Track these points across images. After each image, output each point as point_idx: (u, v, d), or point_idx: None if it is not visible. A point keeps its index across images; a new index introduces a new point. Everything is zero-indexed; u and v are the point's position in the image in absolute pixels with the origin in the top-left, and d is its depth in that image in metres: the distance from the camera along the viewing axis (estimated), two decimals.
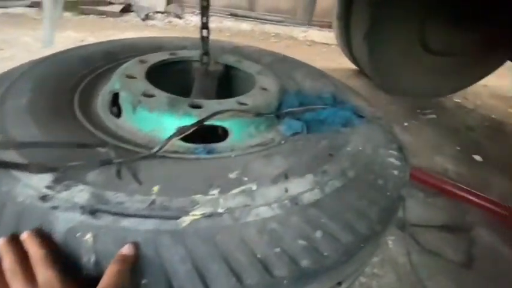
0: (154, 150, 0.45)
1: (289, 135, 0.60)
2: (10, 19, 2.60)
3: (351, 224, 0.43)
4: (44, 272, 0.30)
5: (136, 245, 0.33)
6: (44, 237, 0.34)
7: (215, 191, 0.40)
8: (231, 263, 0.35)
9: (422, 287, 0.66)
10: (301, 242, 0.38)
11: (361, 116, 0.65)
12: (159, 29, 2.89)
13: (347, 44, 1.88)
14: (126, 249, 0.33)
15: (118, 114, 0.63)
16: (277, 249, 0.37)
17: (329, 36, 3.27)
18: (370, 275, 0.68)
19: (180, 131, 0.48)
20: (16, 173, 0.39)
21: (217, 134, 0.64)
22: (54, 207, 0.36)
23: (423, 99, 1.77)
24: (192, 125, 0.49)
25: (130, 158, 0.43)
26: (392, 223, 0.49)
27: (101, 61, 0.86)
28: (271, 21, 3.42)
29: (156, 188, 0.39)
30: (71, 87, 0.70)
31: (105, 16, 3.02)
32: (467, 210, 0.96)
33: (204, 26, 0.72)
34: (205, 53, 0.77)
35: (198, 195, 0.39)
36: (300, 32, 3.29)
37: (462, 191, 0.98)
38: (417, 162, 1.18)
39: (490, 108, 1.86)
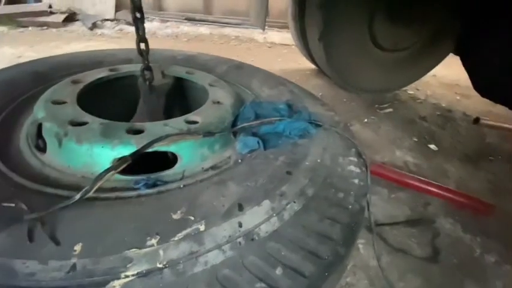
0: (77, 197, 0.37)
1: (245, 153, 0.55)
2: None
3: (314, 251, 0.39)
4: None
5: None
6: None
7: (153, 241, 0.34)
8: None
9: None
10: (260, 285, 0.34)
11: (318, 125, 0.63)
12: (109, 37, 2.69)
13: (304, 45, 1.89)
14: None
15: (44, 149, 0.54)
16: None
17: (288, 37, 3.28)
18: (343, 285, 0.66)
19: (113, 166, 0.41)
20: None
21: (168, 159, 0.57)
22: None
23: (380, 94, 1.84)
24: (121, 161, 0.42)
25: (46, 211, 0.35)
26: (355, 241, 0.46)
27: (28, 84, 0.75)
28: (230, 24, 3.37)
29: (78, 248, 0.32)
30: None
31: (46, 28, 2.74)
32: (429, 202, 0.99)
33: (141, 39, 0.65)
34: (147, 68, 0.69)
35: (133, 250, 0.33)
36: (260, 34, 3.28)
37: (422, 183, 1.01)
38: (380, 158, 1.21)
39: (440, 97, 1.98)
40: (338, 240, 0.43)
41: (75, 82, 0.69)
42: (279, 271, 0.36)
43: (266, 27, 3.59)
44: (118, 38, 2.68)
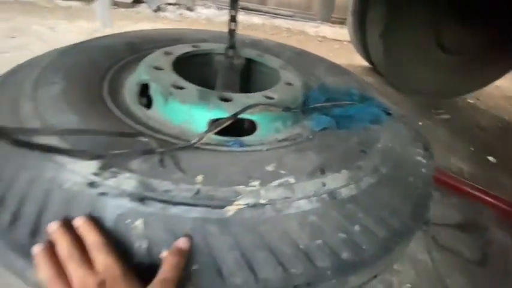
0: (194, 141, 0.45)
1: (318, 130, 0.60)
2: (22, 7, 2.59)
3: (386, 219, 0.44)
4: (104, 258, 0.31)
5: (190, 238, 0.34)
6: (97, 224, 0.34)
7: (255, 183, 0.41)
8: (275, 252, 0.35)
9: (442, 283, 0.67)
10: (341, 235, 0.39)
11: (389, 113, 0.65)
12: (171, 20, 2.86)
13: (361, 41, 1.86)
14: (182, 242, 0.33)
15: (146, 105, 0.64)
16: (319, 241, 0.38)
17: (341, 32, 3.24)
18: (390, 271, 0.69)
19: (217, 123, 0.49)
20: (60, 160, 0.40)
21: (242, 128, 0.64)
22: (103, 194, 0.37)
23: (436, 98, 1.76)
24: (229, 118, 0.50)
25: (171, 147, 0.44)
26: (422, 220, 0.50)
27: (125, 52, 0.86)
28: (283, 16, 3.39)
29: (199, 178, 0.40)
30: (99, 77, 0.70)
31: (116, 7, 3.00)
32: (481, 211, 0.96)
33: (232, 19, 0.72)
34: (232, 46, 0.76)
35: (240, 186, 0.40)
36: (311, 28, 3.26)
37: (478, 191, 0.98)
38: None
39: (503, 110, 1.84)
40: (407, 215, 0.46)
41: (167, 53, 0.78)
42: (357, 228, 0.40)
43: (318, 22, 3.55)
44: (179, 22, 2.85)
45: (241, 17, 3.37)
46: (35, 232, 0.34)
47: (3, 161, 0.41)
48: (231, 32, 0.74)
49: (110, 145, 0.42)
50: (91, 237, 0.32)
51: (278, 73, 0.80)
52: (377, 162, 0.51)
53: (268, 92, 0.66)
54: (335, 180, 0.45)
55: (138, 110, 0.62)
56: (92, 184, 0.38)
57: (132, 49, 0.88)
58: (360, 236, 0.40)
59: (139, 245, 0.34)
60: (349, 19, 1.96)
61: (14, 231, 0.34)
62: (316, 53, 1.09)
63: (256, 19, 3.31)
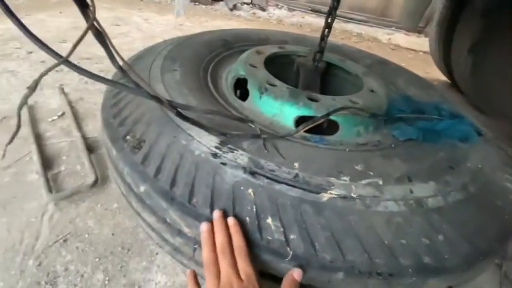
0: (292, 132, 0.52)
1: (402, 140, 0.62)
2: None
3: (470, 236, 0.44)
4: (246, 267, 0.36)
5: (302, 272, 0.37)
6: (241, 228, 0.39)
7: (346, 178, 0.46)
8: (362, 241, 0.40)
9: None
10: (425, 241, 0.41)
11: (480, 134, 0.63)
12: (244, 19, 3.03)
13: (444, 54, 1.72)
14: (297, 275, 0.37)
15: (240, 97, 0.73)
16: (403, 241, 0.41)
17: (416, 42, 3.02)
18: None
19: (312, 120, 0.54)
20: (191, 132, 0.50)
21: (321, 128, 0.69)
22: (224, 164, 0.45)
23: None
24: (322, 116, 0.55)
25: (273, 135, 0.51)
26: (503, 247, 0.48)
27: (221, 47, 0.98)
28: (354, 20, 3.30)
29: (297, 164, 0.46)
30: (204, 68, 0.82)
31: (198, 3, 3.28)
32: None
33: (328, 25, 0.77)
34: (321, 51, 0.81)
35: (333, 178, 0.45)
36: (384, 34, 3.11)
37: None
38: None
39: None
40: (493, 236, 0.46)
41: (259, 52, 0.87)
42: (441, 237, 0.42)
43: (392, 28, 3.36)
44: (251, 21, 2.99)
45: (312, 19, 3.37)
46: (173, 183, 0.44)
47: (152, 126, 0.53)
48: (323, 38, 0.79)
49: (224, 126, 0.52)
50: (238, 240, 0.38)
51: (361, 80, 0.83)
52: (465, 180, 0.51)
53: (353, 97, 0.69)
54: (422, 189, 0.47)
55: (234, 101, 0.71)
56: (215, 155, 0.47)
57: (227, 45, 1.00)
58: (443, 246, 0.41)
59: (250, 208, 0.41)
60: (433, 29, 1.82)
61: (158, 180, 0.45)
62: None
63: None
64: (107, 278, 0.61)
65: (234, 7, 3.25)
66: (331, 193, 0.43)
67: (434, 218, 0.44)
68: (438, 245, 0.41)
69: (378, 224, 0.41)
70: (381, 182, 0.46)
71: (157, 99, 0.41)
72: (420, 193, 0.46)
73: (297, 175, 0.45)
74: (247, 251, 0.38)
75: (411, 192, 0.46)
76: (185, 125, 0.52)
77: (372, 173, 0.48)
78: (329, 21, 0.76)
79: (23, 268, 0.64)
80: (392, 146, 0.61)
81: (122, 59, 0.49)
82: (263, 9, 3.43)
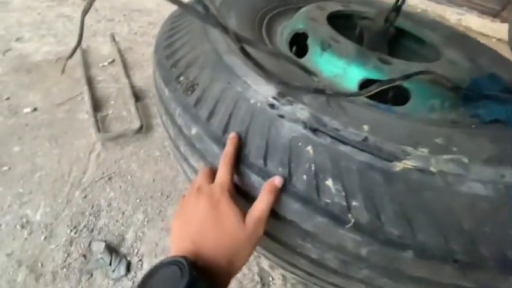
0: (363, 92, 0.45)
1: (487, 121, 0.52)
2: None
3: None
4: (223, 172, 0.37)
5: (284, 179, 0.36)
6: (239, 141, 0.39)
7: (424, 150, 0.39)
8: (438, 222, 0.34)
9: None
10: None
11: None
12: None
13: None
14: (278, 181, 0.36)
15: (296, 53, 0.66)
16: (486, 230, 0.34)
17: (491, 27, 2.61)
18: None
19: (386, 81, 0.47)
20: (247, 80, 0.46)
21: (384, 97, 0.61)
22: (281, 116, 0.41)
23: None
24: (399, 78, 0.47)
25: (339, 93, 0.45)
26: None
27: (276, 2, 0.89)
28: None
29: (366, 127, 0.40)
30: (259, 20, 0.75)
31: None
32: None
33: None
34: (397, 9, 0.70)
35: (409, 148, 0.38)
36: (453, 14, 2.72)
37: None
38: None
39: None
40: None
41: (320, 8, 0.78)
42: None
43: (464, 8, 2.94)
44: None
45: None
46: (226, 129, 0.41)
47: (206, 70, 0.49)
48: None
49: (287, 76, 0.46)
50: (227, 149, 0.38)
51: (438, 50, 0.71)
52: None
53: (429, 66, 0.60)
54: None
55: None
56: (272, 106, 0.42)
57: (283, 0, 0.91)
58: None
59: (308, 166, 0.37)
60: None
61: (210, 124, 0.42)
62: None
63: None
64: (146, 219, 0.63)
65: None
66: (405, 163, 0.37)
67: None
68: None
69: (458, 205, 0.35)
70: (466, 160, 0.39)
71: (224, 28, 0.36)
72: None
73: (366, 138, 0.39)
74: (232, 161, 0.37)
75: (502, 176, 0.38)
76: (241, 71, 0.47)
77: (455, 149, 0.40)
78: None
79: (69, 198, 0.68)
80: (473, 126, 0.52)
81: None
82: None
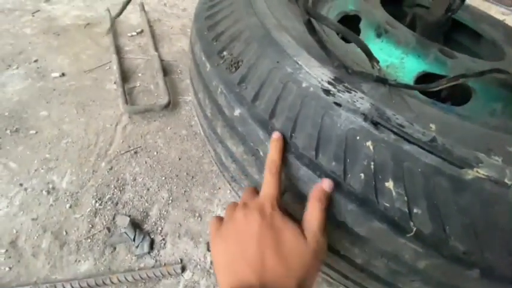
0: (432, 85, 0.40)
1: None
2: None
3: None
4: (269, 183, 0.33)
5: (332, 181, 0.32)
6: (282, 146, 0.35)
7: (498, 158, 0.34)
8: (510, 241, 0.30)
9: None
10: None
11: None
12: None
13: None
14: (329, 185, 0.32)
15: (342, 38, 0.60)
16: None
17: None
18: None
19: (461, 75, 0.42)
20: (299, 60, 0.41)
21: (438, 95, 0.55)
22: (338, 104, 0.37)
23: None
24: (476, 74, 0.42)
25: (404, 85, 0.40)
26: None
27: None
28: None
29: (433, 126, 0.36)
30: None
31: None
32: None
33: None
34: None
35: (482, 154, 0.34)
36: (497, 13, 2.50)
37: None
38: None
39: None
40: None
41: None
42: None
43: (511, 8, 2.71)
44: None
45: None
46: (273, 114, 0.38)
47: (252, 46, 0.45)
48: None
49: (342, 61, 0.42)
50: (271, 155, 0.34)
51: (499, 48, 0.64)
52: None
53: (497, 64, 0.53)
54: None
55: (337, 41, 0.59)
56: (327, 92, 0.38)
57: None
58: None
59: (367, 164, 0.33)
60: None
61: (256, 107, 0.39)
62: None
63: None
64: (171, 198, 0.62)
65: None
66: (478, 171, 0.33)
67: None
68: None
69: None
70: None
71: None
72: None
73: (434, 139, 0.34)
74: (280, 170, 0.34)
75: None
76: (292, 50, 0.43)
77: None
78: None
79: (95, 168, 0.67)
80: None
81: None
82: None
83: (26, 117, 0.72)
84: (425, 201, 0.32)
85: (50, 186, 0.61)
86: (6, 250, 0.51)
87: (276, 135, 0.36)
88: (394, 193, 0.32)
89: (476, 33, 0.72)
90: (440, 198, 0.32)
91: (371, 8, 0.60)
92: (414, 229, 0.31)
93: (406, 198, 0.32)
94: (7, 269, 0.49)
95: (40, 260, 0.51)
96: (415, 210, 0.32)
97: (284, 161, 0.35)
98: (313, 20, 0.37)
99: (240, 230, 0.30)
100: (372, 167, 0.33)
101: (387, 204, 0.32)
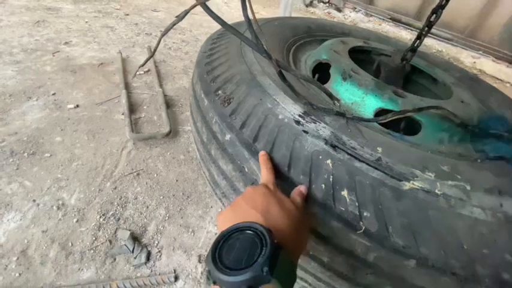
0: (380, 118, 0.50)
1: (491, 157, 0.56)
2: None
3: None
4: (265, 174, 0.41)
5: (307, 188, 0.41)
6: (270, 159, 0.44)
7: (431, 174, 0.43)
8: (440, 238, 0.37)
9: None
10: (508, 257, 0.37)
11: None
12: (317, 17, 2.98)
13: None
14: (304, 189, 0.40)
15: (317, 80, 0.72)
16: (485, 251, 0.37)
17: (505, 71, 2.66)
18: None
19: (402, 111, 0.52)
20: (277, 98, 0.52)
21: (397, 127, 0.65)
22: (305, 132, 0.46)
23: None
24: (413, 110, 0.52)
25: (357, 117, 0.50)
26: None
27: (303, 33, 0.98)
28: (438, 37, 3.01)
29: (380, 149, 0.45)
30: (287, 48, 0.83)
31: None
32: None
33: (429, 24, 0.72)
34: (413, 49, 0.76)
35: (417, 171, 0.43)
36: (468, 57, 2.79)
37: None
38: None
39: None
40: None
41: (343, 42, 0.85)
42: None
43: (480, 52, 3.00)
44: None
45: (389, 28, 3.17)
46: (256, 138, 0.47)
47: (241, 87, 0.56)
48: (420, 36, 0.74)
49: (309, 99, 0.52)
50: (263, 158, 0.44)
51: (449, 89, 0.76)
52: None
53: (442, 103, 0.65)
54: None
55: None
56: (298, 122, 0.48)
57: (309, 32, 0.99)
58: None
59: (327, 177, 0.42)
60: None
61: (243, 133, 0.48)
62: None
63: (404, 34, 3.06)
64: (167, 215, 0.68)
65: (310, 4, 3.21)
66: (413, 184, 0.41)
67: None
68: None
69: (459, 226, 0.38)
70: (468, 187, 0.42)
71: (268, 55, 0.43)
72: (511, 210, 0.41)
73: (379, 158, 0.43)
74: (271, 165, 0.42)
75: (501, 206, 0.41)
76: (272, 90, 0.54)
77: (459, 177, 0.44)
78: (432, 19, 0.71)
79: (101, 188, 0.74)
80: (478, 161, 0.56)
81: (254, 19, 0.52)
82: (339, 10, 3.32)
83: (42, 142, 0.80)
84: (372, 206, 0.40)
85: (60, 202, 0.66)
86: (17, 258, 0.55)
87: (262, 152, 0.45)
88: (348, 200, 0.40)
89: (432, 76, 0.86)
90: (384, 203, 0.40)
91: (339, 58, 0.73)
92: (363, 228, 0.38)
93: (357, 203, 0.40)
94: (17, 274, 0.53)
95: (47, 267, 0.55)
96: (364, 213, 0.39)
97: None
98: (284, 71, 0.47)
99: (250, 195, 0.36)
100: (331, 179, 0.42)
101: (342, 208, 0.40)
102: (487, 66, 2.71)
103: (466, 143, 0.62)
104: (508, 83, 2.53)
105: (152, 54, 0.40)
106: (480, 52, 2.88)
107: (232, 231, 0.27)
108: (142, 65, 0.41)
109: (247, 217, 0.31)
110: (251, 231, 0.27)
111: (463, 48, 2.93)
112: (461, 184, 0.43)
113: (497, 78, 2.54)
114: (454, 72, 1.01)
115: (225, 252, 0.26)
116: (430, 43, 2.95)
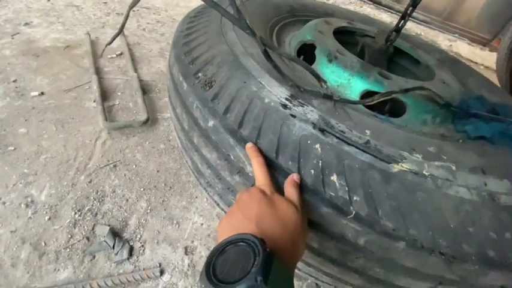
0: (367, 101, 0.49)
1: (473, 137, 0.57)
2: None
3: None
4: (260, 176, 0.39)
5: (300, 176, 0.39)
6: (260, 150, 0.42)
7: (419, 156, 0.43)
8: (427, 219, 0.38)
9: None
10: (492, 235, 0.39)
11: None
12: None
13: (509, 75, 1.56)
14: (297, 177, 0.39)
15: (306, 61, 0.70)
16: (470, 229, 0.38)
17: (480, 54, 2.77)
18: None
19: (388, 92, 0.51)
20: (262, 81, 0.49)
21: (382, 109, 0.65)
22: (293, 116, 0.44)
23: None
24: (400, 91, 0.52)
25: (345, 100, 0.49)
26: None
27: (286, 13, 0.94)
28: (416, 19, 3.05)
29: (368, 132, 0.44)
30: (270, 28, 0.80)
31: None
32: None
33: (414, 3, 0.71)
34: (398, 30, 0.76)
35: (405, 153, 0.43)
36: (445, 40, 2.86)
37: None
38: None
39: None
40: None
41: (327, 23, 0.83)
42: (508, 236, 0.39)
43: (456, 35, 3.09)
44: None
45: (370, 10, 3.17)
46: (241, 124, 0.44)
47: (223, 69, 0.53)
48: (404, 16, 0.73)
49: (299, 81, 0.50)
50: (254, 156, 0.41)
51: (431, 71, 0.77)
52: None
53: (425, 84, 0.65)
54: (497, 185, 0.43)
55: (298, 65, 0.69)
56: (285, 106, 0.46)
57: (292, 12, 0.96)
58: (509, 244, 0.39)
59: (316, 162, 0.40)
60: (505, 42, 1.65)
61: (227, 118, 0.45)
62: None
63: (384, 16, 3.07)
64: (149, 208, 0.65)
65: None
66: (402, 166, 0.41)
67: (504, 216, 0.41)
68: (504, 242, 0.39)
69: (446, 206, 0.39)
70: (454, 168, 0.43)
71: (252, 32, 0.40)
72: (494, 188, 0.43)
73: (368, 141, 0.43)
74: (265, 164, 0.40)
75: (485, 184, 0.43)
76: (256, 72, 0.51)
77: (445, 157, 0.45)
78: None
79: (74, 182, 0.69)
80: (460, 141, 0.57)
81: None
82: None
83: (4, 134, 0.72)
84: (362, 190, 0.39)
85: (29, 199, 0.61)
86: None
87: (248, 144, 0.42)
88: (337, 184, 0.39)
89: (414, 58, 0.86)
90: (373, 187, 0.39)
91: (324, 38, 0.71)
92: (354, 212, 0.38)
93: (347, 188, 0.39)
94: None
95: (19, 269, 0.51)
96: (354, 197, 0.39)
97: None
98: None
99: (244, 204, 0.36)
100: (320, 164, 0.41)
101: (332, 193, 0.39)
102: (463, 49, 2.80)
103: (448, 124, 0.63)
104: (482, 65, 2.64)
105: (120, 30, 0.36)
106: (456, 35, 2.97)
107: (225, 244, 0.28)
108: (110, 42, 0.37)
109: (242, 228, 0.32)
110: (244, 242, 0.27)
111: (440, 31, 3.00)
112: (447, 164, 0.43)
113: (472, 61, 2.64)
114: (435, 54, 1.02)
115: (219, 266, 0.26)
116: (408, 26, 2.99)
